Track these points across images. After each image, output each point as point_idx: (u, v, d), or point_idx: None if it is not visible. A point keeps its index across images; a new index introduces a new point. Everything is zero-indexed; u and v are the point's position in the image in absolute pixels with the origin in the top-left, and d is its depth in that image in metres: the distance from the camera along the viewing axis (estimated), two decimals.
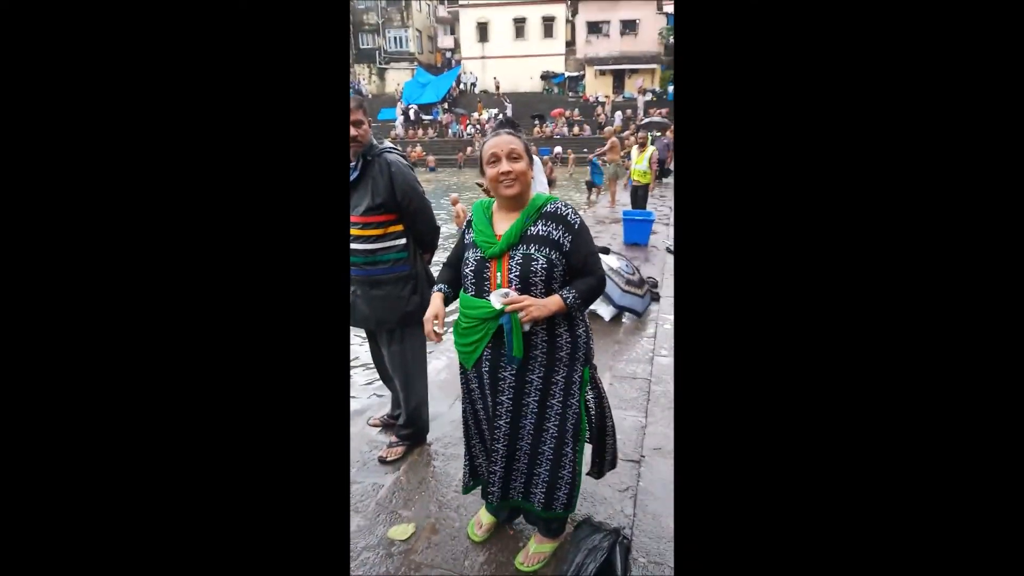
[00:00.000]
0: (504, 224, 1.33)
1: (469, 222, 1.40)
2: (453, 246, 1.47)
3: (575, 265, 1.29)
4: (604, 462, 1.56)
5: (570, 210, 1.32)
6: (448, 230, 7.49)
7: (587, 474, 1.56)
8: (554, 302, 1.24)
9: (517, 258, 1.27)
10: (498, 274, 1.29)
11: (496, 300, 1.25)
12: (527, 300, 1.23)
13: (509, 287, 1.26)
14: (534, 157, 3.38)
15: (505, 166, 1.27)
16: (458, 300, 1.40)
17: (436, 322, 1.34)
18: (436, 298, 1.40)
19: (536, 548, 1.51)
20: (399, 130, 20.61)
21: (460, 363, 1.45)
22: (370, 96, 24.09)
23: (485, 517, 1.63)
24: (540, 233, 1.28)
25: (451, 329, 1.45)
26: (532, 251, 1.26)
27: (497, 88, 22.54)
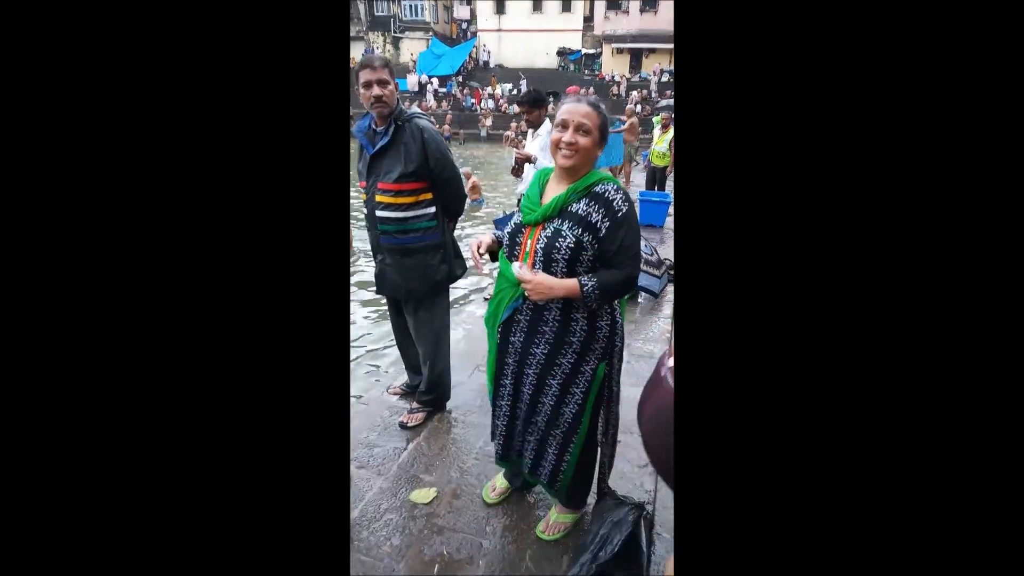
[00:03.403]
0: (552, 194, 1.28)
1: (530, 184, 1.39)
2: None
3: (606, 253, 1.21)
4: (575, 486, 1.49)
5: (620, 195, 1.22)
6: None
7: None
8: (564, 286, 1.19)
9: (548, 231, 1.23)
10: (529, 242, 1.26)
11: (514, 269, 1.24)
12: (535, 279, 1.20)
13: (534, 260, 1.24)
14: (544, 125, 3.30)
15: (569, 136, 1.20)
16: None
17: (480, 251, 1.35)
18: (487, 235, 1.40)
19: (557, 518, 1.53)
20: (430, 101, 20.09)
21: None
22: None
23: (500, 482, 1.66)
24: (580, 212, 1.22)
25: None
26: (564, 228, 1.21)
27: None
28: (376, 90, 1.71)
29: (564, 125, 1.22)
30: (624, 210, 1.22)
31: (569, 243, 1.20)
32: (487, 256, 1.38)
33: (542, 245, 1.23)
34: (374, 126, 1.82)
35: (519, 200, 3.31)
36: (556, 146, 1.23)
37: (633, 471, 1.82)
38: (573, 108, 1.22)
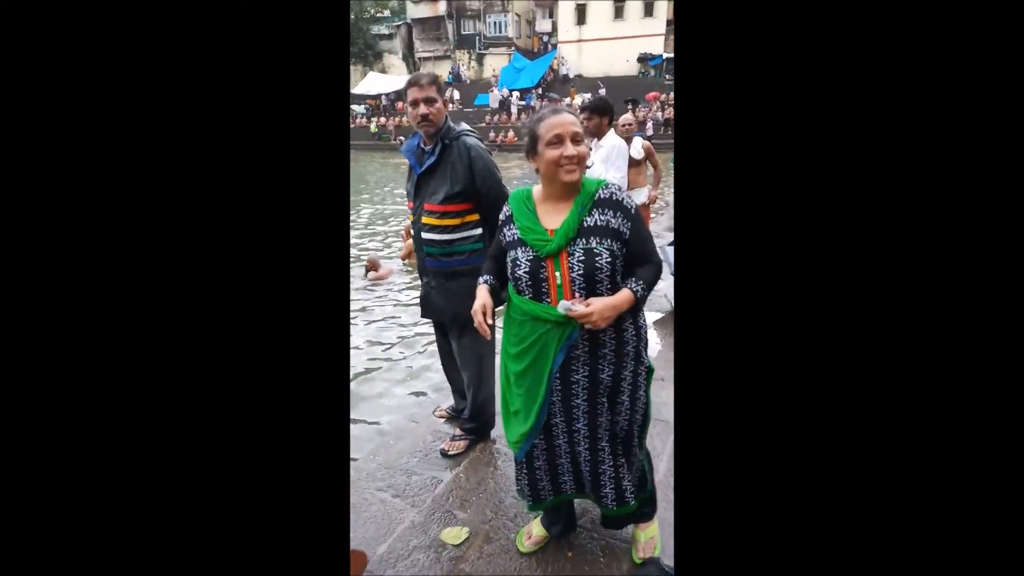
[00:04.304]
0: (553, 216, 1.19)
1: (508, 217, 1.26)
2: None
3: (635, 253, 1.18)
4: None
5: (624, 193, 1.20)
6: None
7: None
8: (624, 299, 1.13)
9: (578, 254, 1.13)
10: (556, 274, 1.15)
11: (562, 310, 1.11)
12: (593, 308, 1.09)
13: (572, 289, 1.13)
14: (634, 138, 3.10)
15: (571, 149, 1.13)
16: (508, 300, 1.29)
17: (485, 315, 1.22)
18: (482, 290, 1.28)
19: (646, 536, 1.43)
20: (514, 114, 20.19)
21: (510, 369, 1.30)
22: (468, 82, 24.55)
23: (536, 529, 1.51)
24: (598, 223, 1.15)
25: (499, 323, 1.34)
26: (593, 244, 1.13)
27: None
28: (423, 108, 1.66)
29: (559, 139, 1.14)
30: (633, 205, 1.20)
31: (606, 258, 1.13)
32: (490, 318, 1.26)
33: (580, 272, 1.13)
34: (423, 145, 1.79)
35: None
36: (557, 164, 1.14)
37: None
38: (560, 120, 1.15)
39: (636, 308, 1.19)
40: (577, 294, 1.13)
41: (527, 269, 1.17)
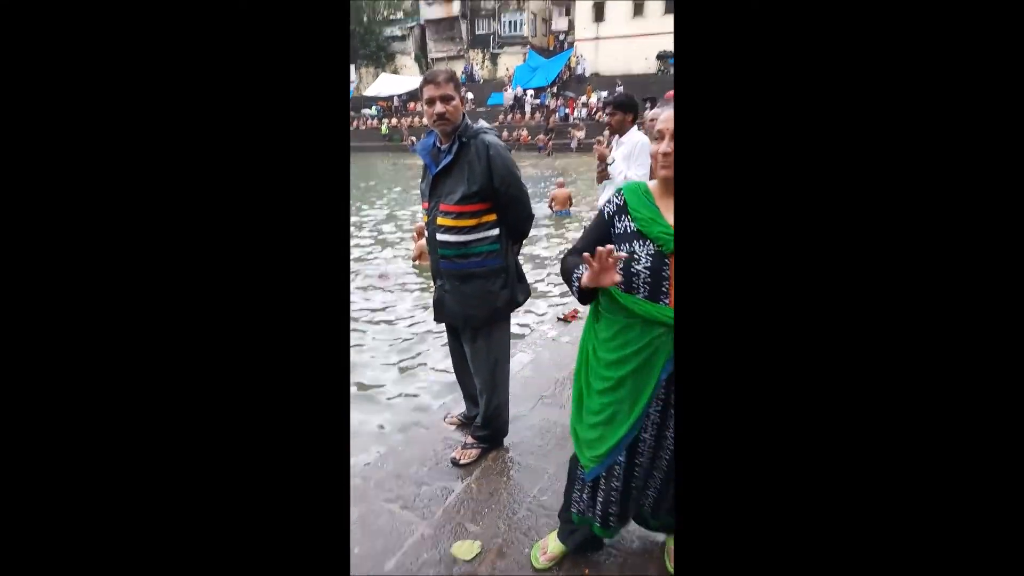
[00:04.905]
0: (672, 214, 1.07)
1: (620, 207, 1.14)
2: (581, 234, 1.22)
3: None
4: None
5: None
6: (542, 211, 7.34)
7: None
8: None
9: None
10: None
11: None
12: None
13: None
14: (641, 136, 3.01)
15: (665, 146, 1.05)
16: (603, 300, 1.16)
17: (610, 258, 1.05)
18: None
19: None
20: (528, 113, 19.86)
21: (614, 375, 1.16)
22: (481, 81, 24.49)
23: (553, 544, 1.44)
24: None
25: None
26: None
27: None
28: (439, 107, 1.60)
29: (660, 135, 1.07)
30: None
31: None
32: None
33: None
34: (439, 144, 1.72)
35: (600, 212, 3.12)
36: (655, 159, 1.08)
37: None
38: (668, 116, 1.06)
39: None
40: None
41: (648, 265, 1.06)
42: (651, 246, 1.07)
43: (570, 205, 7.60)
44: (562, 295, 4.43)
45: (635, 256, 1.09)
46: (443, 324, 1.94)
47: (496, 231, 1.72)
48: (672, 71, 22.88)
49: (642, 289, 1.09)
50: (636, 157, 2.60)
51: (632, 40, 22.37)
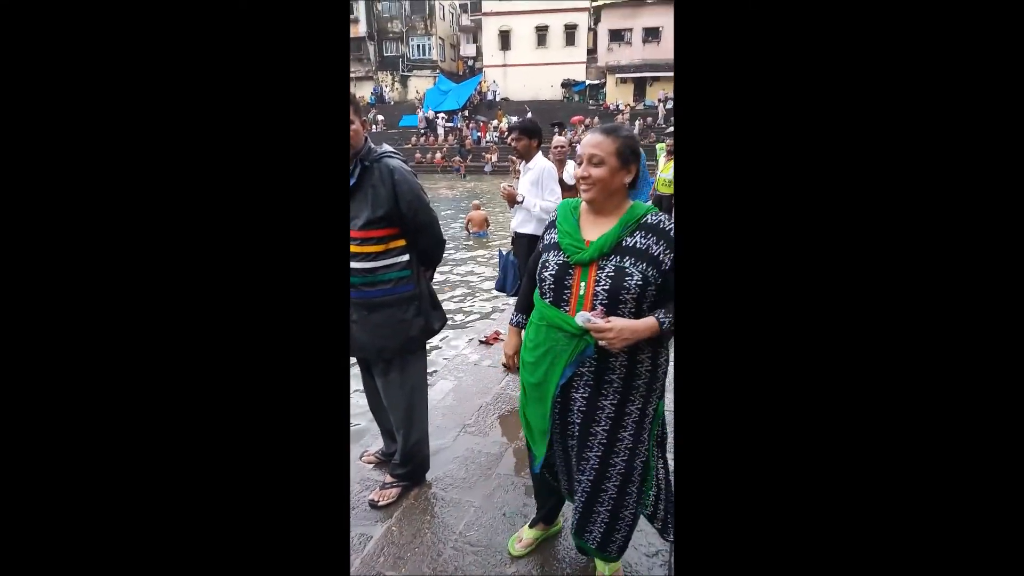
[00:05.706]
0: (594, 229, 1.17)
1: (552, 223, 1.26)
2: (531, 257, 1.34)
3: (671, 287, 1.12)
4: (669, 516, 1.32)
5: (672, 224, 1.15)
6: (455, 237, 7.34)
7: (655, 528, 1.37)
8: (647, 326, 1.08)
9: (608, 270, 1.11)
10: (582, 284, 1.13)
11: (581, 321, 1.10)
12: (615, 326, 1.06)
13: (594, 302, 1.11)
14: (568, 162, 3.08)
15: (582, 170, 1.16)
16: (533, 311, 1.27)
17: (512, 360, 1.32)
18: (513, 333, 1.35)
19: (611, 569, 1.39)
20: (440, 136, 20.13)
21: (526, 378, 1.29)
22: (392, 103, 24.25)
23: (528, 532, 1.56)
24: (638, 246, 1.12)
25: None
26: (627, 265, 1.10)
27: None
28: None
29: (580, 160, 1.17)
30: None
31: (636, 280, 1.10)
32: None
33: (606, 286, 1.11)
34: None
35: (513, 237, 3.15)
36: (577, 181, 1.18)
37: (641, 559, 1.53)
38: (585, 140, 1.16)
39: (657, 341, 1.14)
40: (599, 308, 1.10)
41: (553, 272, 1.17)
42: (561, 256, 1.17)
43: (487, 226, 7.69)
44: (481, 317, 4.40)
45: (546, 264, 1.19)
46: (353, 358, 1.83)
47: (406, 256, 1.66)
48: (576, 98, 24.20)
49: (548, 295, 1.19)
50: (545, 183, 2.68)
51: (537, 68, 23.46)
